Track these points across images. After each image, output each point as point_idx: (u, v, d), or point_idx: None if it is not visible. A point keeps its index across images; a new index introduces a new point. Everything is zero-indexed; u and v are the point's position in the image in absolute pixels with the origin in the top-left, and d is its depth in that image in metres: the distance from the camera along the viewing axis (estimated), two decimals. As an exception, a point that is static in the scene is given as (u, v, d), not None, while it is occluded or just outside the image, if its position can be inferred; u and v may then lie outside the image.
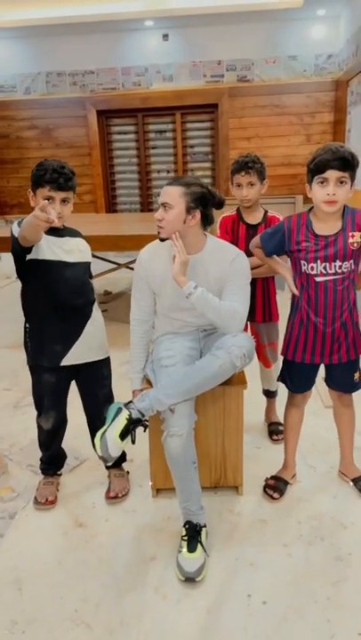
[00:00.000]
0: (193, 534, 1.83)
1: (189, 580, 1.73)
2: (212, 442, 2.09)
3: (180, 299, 1.93)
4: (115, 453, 1.79)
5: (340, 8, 5.60)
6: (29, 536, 1.99)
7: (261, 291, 2.39)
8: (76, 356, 2.02)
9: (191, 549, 1.79)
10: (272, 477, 2.19)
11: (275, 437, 2.54)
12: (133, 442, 1.84)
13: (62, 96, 6.46)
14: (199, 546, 1.81)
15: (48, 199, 1.82)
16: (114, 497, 2.15)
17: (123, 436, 1.78)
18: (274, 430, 2.58)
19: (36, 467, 2.27)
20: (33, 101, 6.49)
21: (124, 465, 2.29)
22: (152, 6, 5.55)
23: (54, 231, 1.93)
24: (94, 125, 6.49)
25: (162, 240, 1.90)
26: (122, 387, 2.20)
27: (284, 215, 2.40)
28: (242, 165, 2.24)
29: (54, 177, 1.82)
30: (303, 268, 1.87)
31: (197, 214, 1.85)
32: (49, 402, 2.08)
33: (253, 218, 2.35)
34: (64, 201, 1.88)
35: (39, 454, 2.23)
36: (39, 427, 2.14)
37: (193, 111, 6.47)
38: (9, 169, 6.75)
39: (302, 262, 1.86)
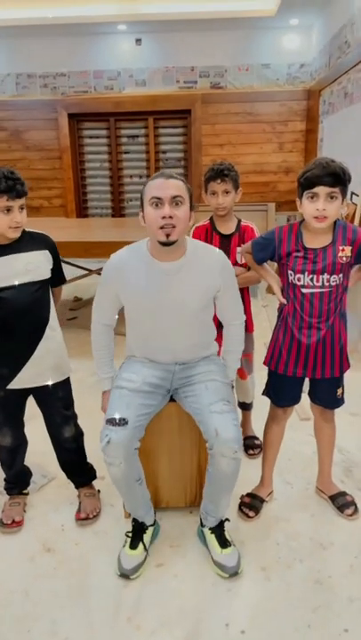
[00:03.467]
0: (137, 532, 1.83)
1: (124, 576, 1.74)
2: (187, 461, 2.01)
3: (153, 322, 1.82)
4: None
5: (313, 18, 5.63)
6: (-6, 562, 1.87)
7: (237, 302, 2.33)
8: (25, 379, 1.89)
9: (133, 546, 1.80)
10: (248, 495, 2.13)
11: (250, 452, 2.47)
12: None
13: (33, 98, 6.31)
14: (140, 544, 1.81)
15: (7, 210, 1.70)
16: (84, 518, 2.04)
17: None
18: (249, 445, 2.51)
19: (1, 487, 2.15)
20: (2, 103, 6.31)
21: (94, 483, 2.19)
22: (125, 10, 5.48)
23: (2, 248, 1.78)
24: (65, 128, 6.36)
25: (171, 244, 1.65)
26: (91, 399, 2.10)
27: (257, 224, 2.35)
28: (218, 173, 2.17)
29: (10, 185, 1.67)
30: (290, 277, 1.82)
31: (193, 213, 1.73)
32: (0, 417, 1.98)
33: (227, 227, 2.28)
34: (21, 208, 1.74)
35: (3, 474, 2.11)
36: None
37: (166, 117, 6.41)
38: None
39: (289, 272, 1.82)
